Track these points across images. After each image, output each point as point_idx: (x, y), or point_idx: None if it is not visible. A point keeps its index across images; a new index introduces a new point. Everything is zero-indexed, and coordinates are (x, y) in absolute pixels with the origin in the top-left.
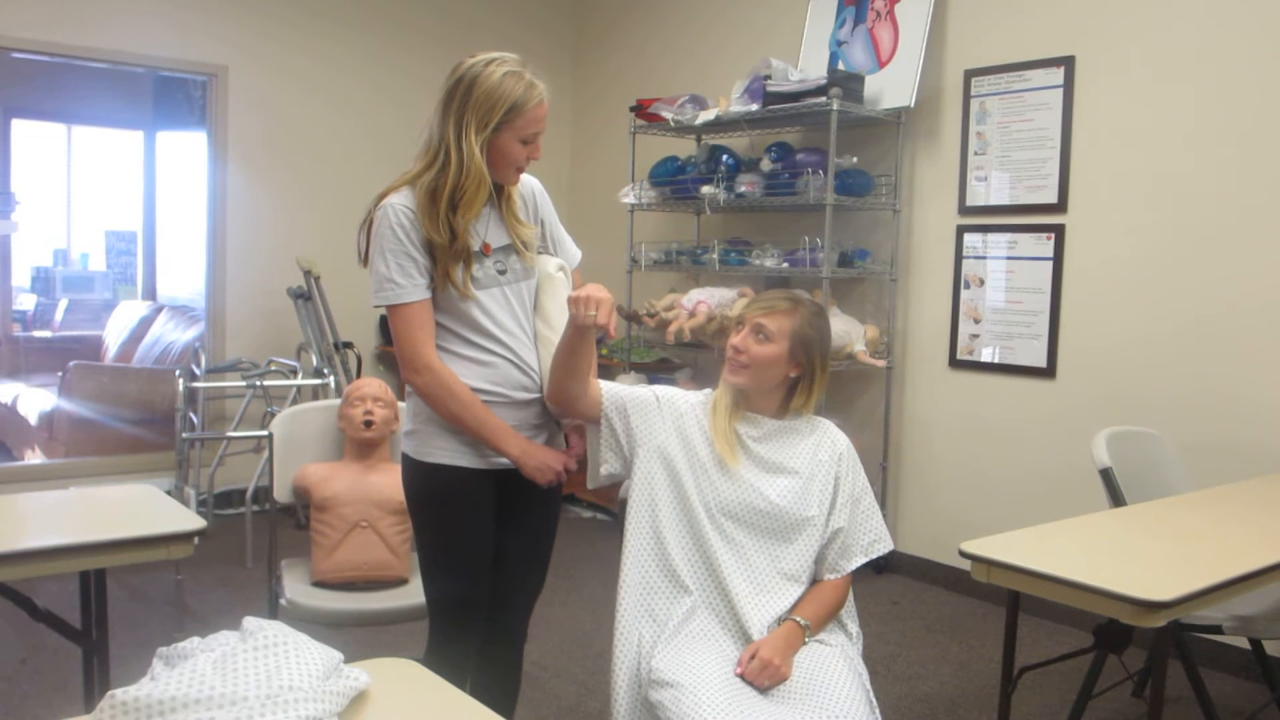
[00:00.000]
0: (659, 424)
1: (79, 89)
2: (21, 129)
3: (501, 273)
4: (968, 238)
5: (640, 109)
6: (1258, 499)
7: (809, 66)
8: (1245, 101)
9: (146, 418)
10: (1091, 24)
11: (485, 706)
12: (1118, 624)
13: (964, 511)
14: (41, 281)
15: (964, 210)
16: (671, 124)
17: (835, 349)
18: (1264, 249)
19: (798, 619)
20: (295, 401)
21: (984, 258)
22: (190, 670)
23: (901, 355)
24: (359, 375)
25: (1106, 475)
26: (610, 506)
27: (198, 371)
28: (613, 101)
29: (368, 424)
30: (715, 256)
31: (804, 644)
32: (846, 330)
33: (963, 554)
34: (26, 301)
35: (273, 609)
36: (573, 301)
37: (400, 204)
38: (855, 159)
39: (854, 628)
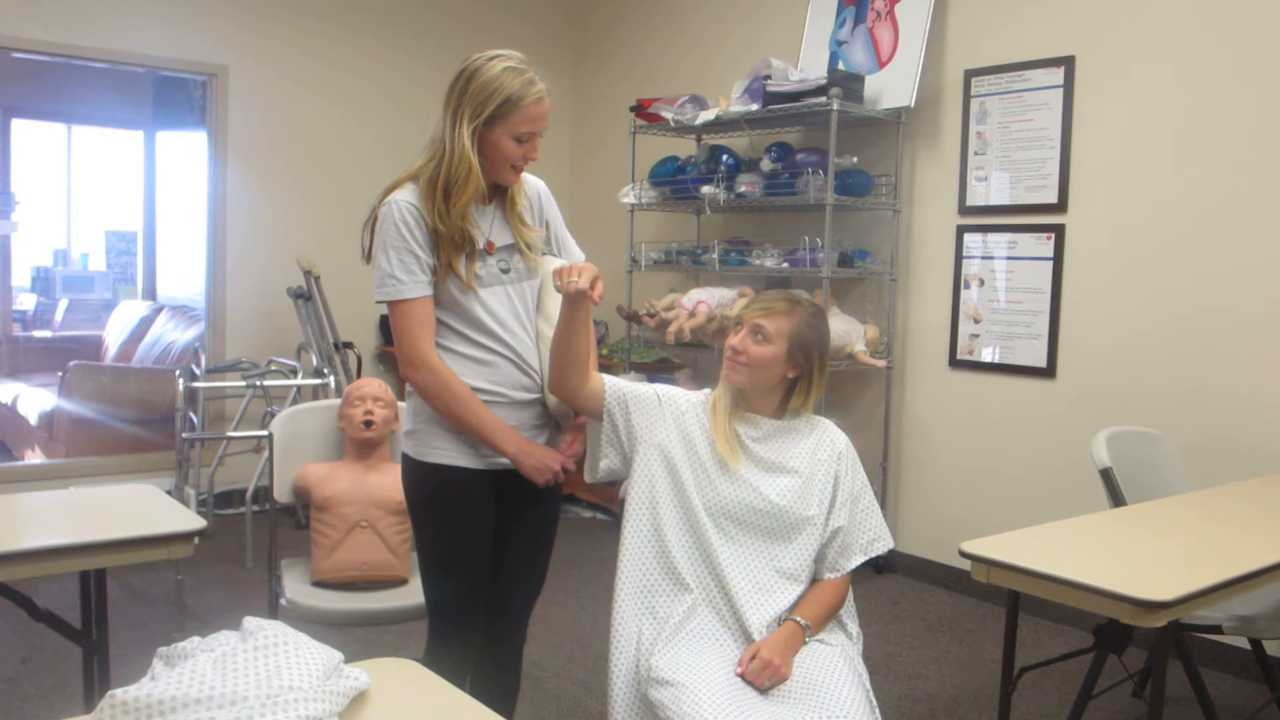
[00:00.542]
0: (660, 422)
1: (79, 89)
2: (21, 129)
3: (505, 271)
4: (968, 238)
5: (640, 109)
6: (1258, 499)
7: (809, 66)
8: (1245, 101)
9: (146, 418)
10: (1091, 24)
11: (485, 706)
12: (1118, 624)
13: (964, 511)
14: (41, 281)
15: (964, 210)
16: (671, 124)
17: (835, 349)
18: (1264, 249)
19: (798, 619)
20: (295, 401)
21: (984, 258)
22: (190, 670)
23: (901, 355)
24: (359, 375)
25: (1106, 475)
26: (610, 506)
27: (198, 371)
28: (613, 101)
29: (368, 424)
30: (715, 256)
31: (804, 644)
32: (846, 330)
33: (963, 554)
34: (26, 301)
35: (273, 609)
36: (557, 273)
37: (404, 200)
38: (855, 159)
39: (854, 628)
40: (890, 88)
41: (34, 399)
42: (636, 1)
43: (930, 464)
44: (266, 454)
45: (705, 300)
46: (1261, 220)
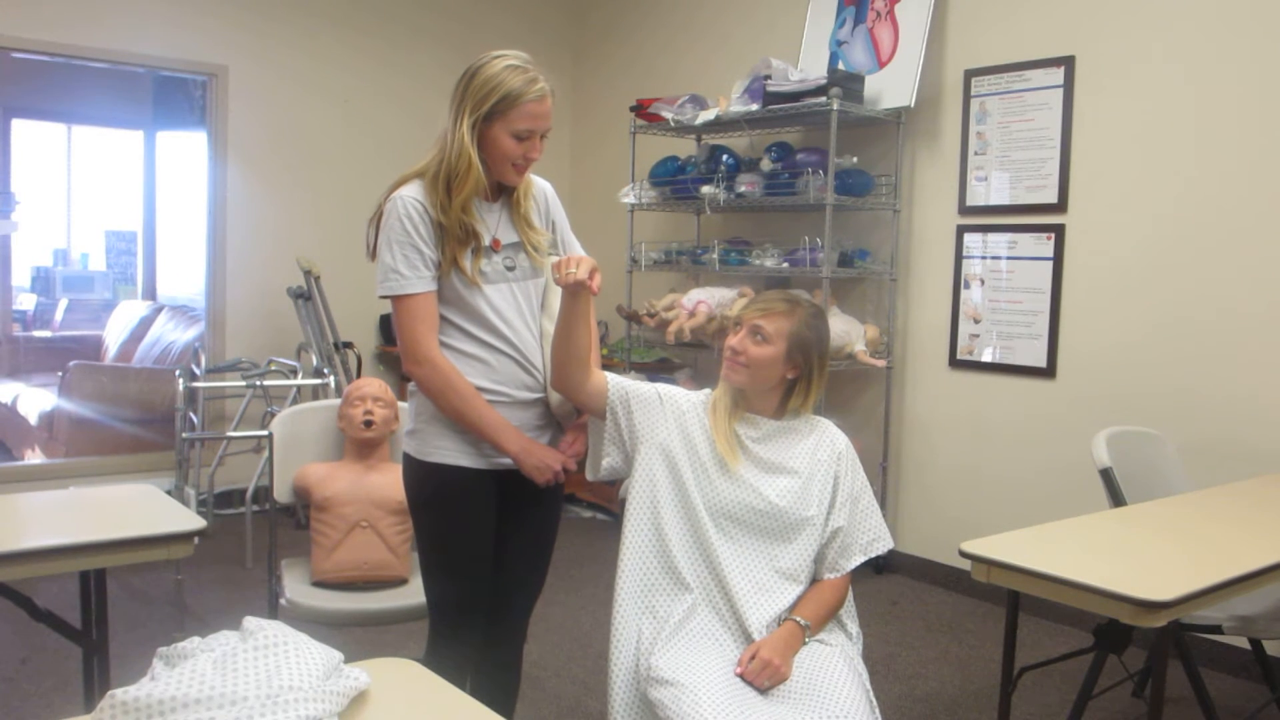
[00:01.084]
0: (661, 421)
1: (79, 89)
2: (21, 129)
3: (510, 269)
4: (968, 238)
5: (640, 109)
6: (1258, 499)
7: (809, 66)
8: (1246, 101)
9: (146, 418)
10: (1091, 24)
11: (485, 706)
12: (1118, 624)
13: (964, 511)
14: (41, 281)
15: (964, 210)
16: (671, 124)
17: (835, 349)
18: (1264, 249)
19: (798, 619)
20: (295, 401)
21: (984, 258)
22: (190, 670)
23: (901, 355)
24: (359, 375)
25: (1106, 475)
26: (610, 506)
27: (198, 371)
28: (613, 101)
29: (368, 424)
30: (715, 256)
31: (804, 644)
32: (846, 330)
33: (963, 554)
34: (26, 301)
35: (273, 609)
36: (555, 266)
37: (410, 196)
38: (855, 159)
39: (854, 628)
40: (890, 88)
41: (34, 399)
42: (636, 1)
43: (930, 464)
44: (266, 454)
45: (705, 300)
46: (1262, 220)
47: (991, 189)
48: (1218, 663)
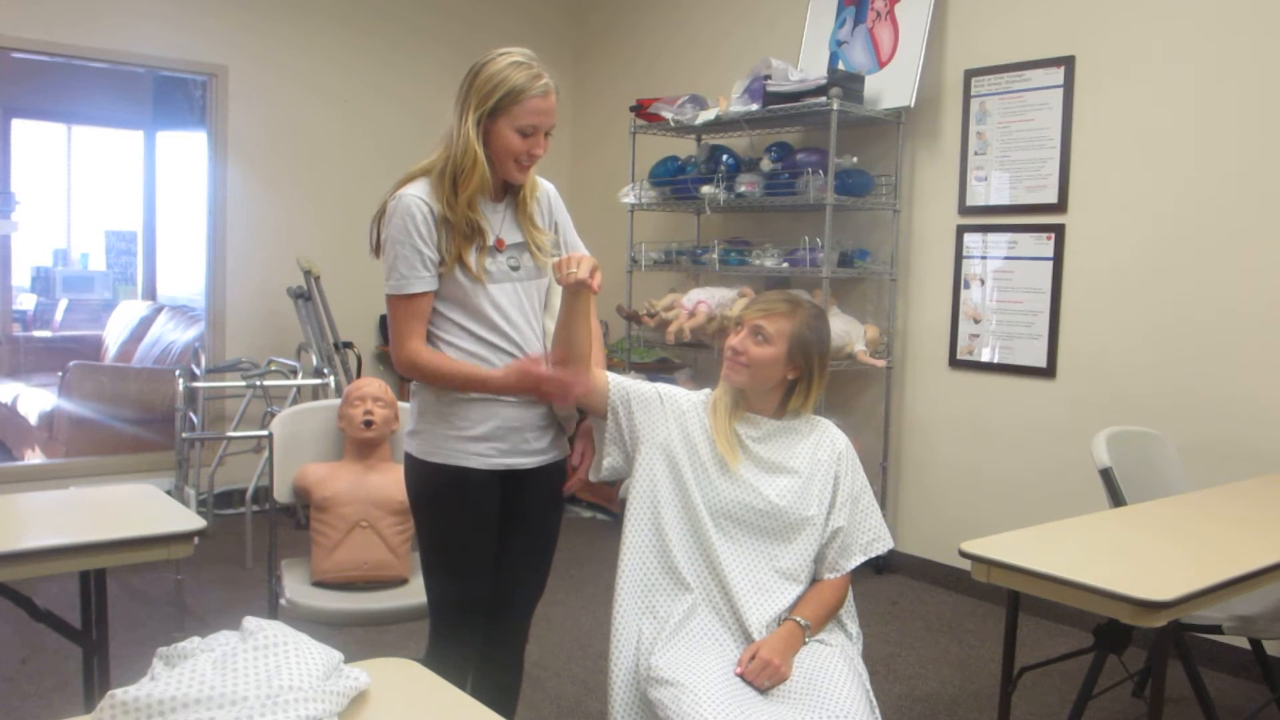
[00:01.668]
0: (661, 421)
1: (79, 89)
2: (21, 129)
3: (514, 269)
4: (968, 238)
5: (640, 109)
6: (1258, 499)
7: (809, 66)
8: (1246, 101)
9: (146, 418)
10: (1091, 24)
11: (485, 707)
12: (1118, 624)
13: (964, 511)
14: (41, 281)
15: (964, 210)
16: (671, 124)
17: (835, 349)
18: (1264, 249)
19: (798, 619)
20: (295, 401)
21: (984, 258)
22: (190, 670)
23: (901, 355)
24: (359, 375)
25: (1106, 475)
26: (610, 506)
27: (198, 371)
28: (613, 101)
29: (368, 424)
30: (715, 256)
31: (804, 644)
32: (846, 330)
33: (963, 554)
34: (26, 301)
35: (273, 609)
36: (555, 266)
37: (413, 194)
38: (855, 159)
39: (854, 628)
40: (890, 88)
41: (34, 399)
42: (636, 1)
43: (930, 464)
44: (266, 454)
45: (705, 300)
46: (1262, 220)
47: (991, 189)
48: (1218, 663)
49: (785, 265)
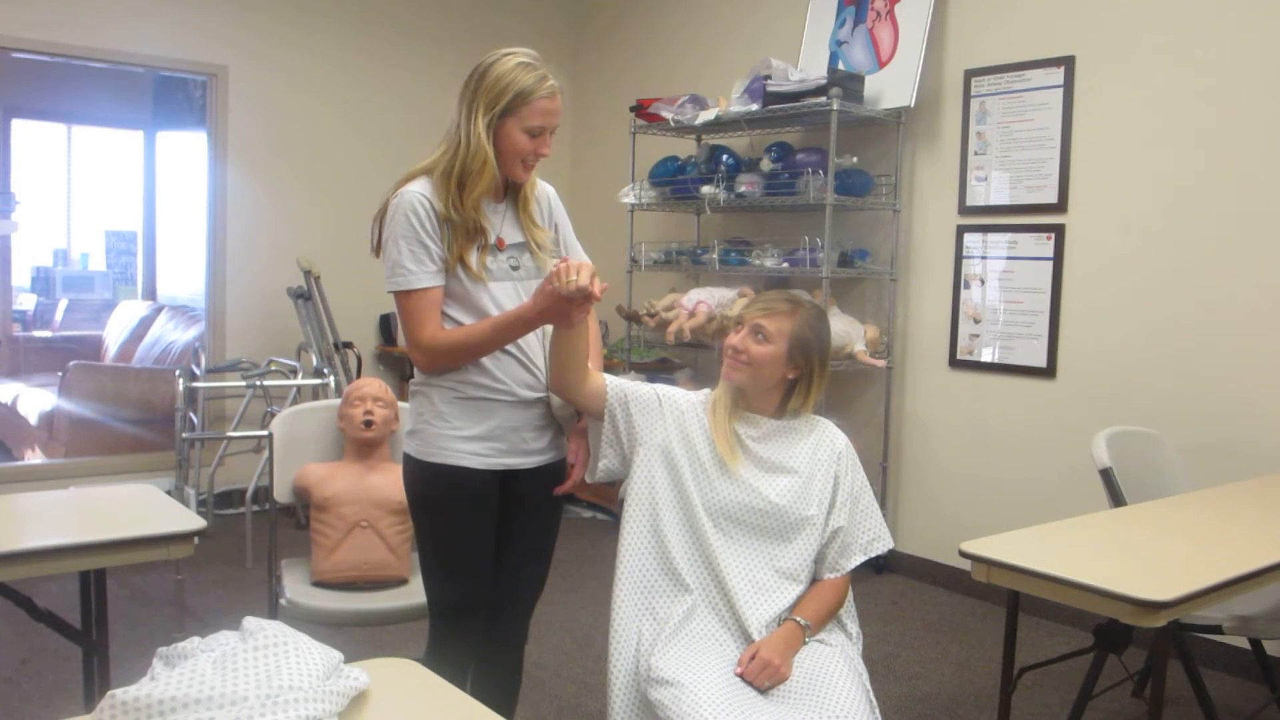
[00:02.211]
0: (659, 422)
1: (79, 89)
2: (21, 129)
3: (515, 268)
4: (968, 238)
5: (640, 109)
6: (1258, 499)
7: (809, 66)
8: (1246, 101)
9: (146, 418)
10: (1091, 24)
11: (485, 706)
12: (1118, 624)
13: (964, 511)
14: (41, 281)
15: (964, 210)
16: (671, 124)
17: (835, 349)
18: (1264, 249)
19: (798, 619)
20: (295, 401)
21: (984, 257)
22: (190, 670)
23: (901, 355)
24: (359, 375)
25: (1106, 475)
26: (610, 506)
27: (198, 371)
28: (613, 101)
29: (368, 424)
30: (715, 256)
31: (804, 644)
32: (846, 330)
33: (963, 554)
34: (26, 301)
35: (273, 609)
36: (554, 274)
37: (416, 191)
38: (855, 159)
39: (854, 628)
40: (890, 88)
41: (34, 399)
42: (636, 1)
43: (930, 464)
44: (266, 454)
45: (705, 300)
46: (1262, 220)
47: (991, 189)
48: (1218, 663)
49: (785, 265)
